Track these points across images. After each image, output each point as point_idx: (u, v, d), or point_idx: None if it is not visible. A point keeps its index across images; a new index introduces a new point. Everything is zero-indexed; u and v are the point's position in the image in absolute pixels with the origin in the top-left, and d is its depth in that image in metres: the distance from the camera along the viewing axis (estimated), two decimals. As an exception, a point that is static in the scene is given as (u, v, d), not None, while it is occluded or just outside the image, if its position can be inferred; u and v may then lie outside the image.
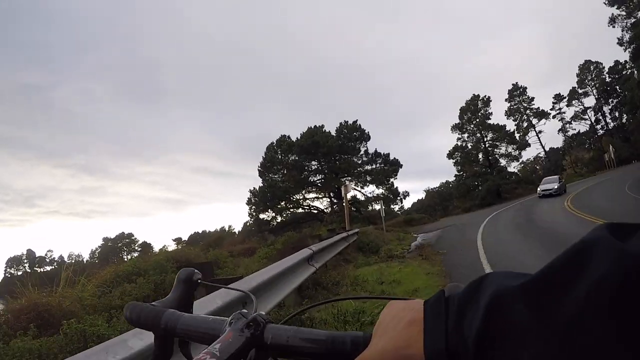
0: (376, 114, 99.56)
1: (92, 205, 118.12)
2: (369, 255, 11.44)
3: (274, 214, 35.22)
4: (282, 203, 34.87)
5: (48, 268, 66.99)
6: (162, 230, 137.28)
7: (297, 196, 36.42)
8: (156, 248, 74.87)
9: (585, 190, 22.93)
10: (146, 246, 78.39)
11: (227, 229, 70.46)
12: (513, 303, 0.29)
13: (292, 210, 36.15)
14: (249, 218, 38.25)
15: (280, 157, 36.09)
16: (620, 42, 42.20)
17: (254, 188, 35.69)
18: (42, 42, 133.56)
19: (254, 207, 36.20)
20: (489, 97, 45.26)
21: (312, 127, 35.86)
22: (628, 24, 39.33)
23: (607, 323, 0.24)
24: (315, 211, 36.99)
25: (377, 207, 38.37)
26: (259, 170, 36.36)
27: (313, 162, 34.86)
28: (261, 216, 36.85)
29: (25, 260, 78.98)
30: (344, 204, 18.59)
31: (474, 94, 45.63)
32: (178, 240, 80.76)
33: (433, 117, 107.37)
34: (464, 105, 45.93)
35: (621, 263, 0.25)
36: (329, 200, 36.97)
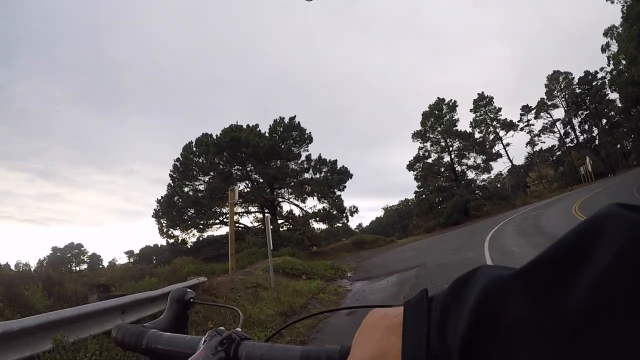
0: (341, 130, 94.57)
1: (49, 213, 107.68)
2: None
3: (183, 232, 27.23)
4: (196, 218, 27.03)
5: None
6: (116, 241, 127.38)
7: (222, 209, 28.77)
8: (106, 261, 69.22)
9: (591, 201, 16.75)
10: (95, 258, 75.68)
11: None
12: (507, 295, 0.23)
13: (211, 227, 28.30)
14: (160, 235, 30.19)
15: (200, 160, 28.41)
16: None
17: (161, 197, 27.74)
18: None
19: (163, 221, 28.17)
20: (455, 101, 39.63)
21: (241, 125, 28.59)
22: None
23: (629, 310, 0.18)
24: (243, 229, 29.44)
25: (317, 225, 31.78)
26: (170, 175, 28.48)
27: (236, 167, 27.28)
28: (176, 233, 28.99)
29: (-32, 267, 69.34)
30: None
31: (438, 98, 39.89)
32: (130, 253, 73.13)
33: (396, 135, 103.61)
34: (427, 109, 40.07)
35: None
36: (261, 215, 29.62)
